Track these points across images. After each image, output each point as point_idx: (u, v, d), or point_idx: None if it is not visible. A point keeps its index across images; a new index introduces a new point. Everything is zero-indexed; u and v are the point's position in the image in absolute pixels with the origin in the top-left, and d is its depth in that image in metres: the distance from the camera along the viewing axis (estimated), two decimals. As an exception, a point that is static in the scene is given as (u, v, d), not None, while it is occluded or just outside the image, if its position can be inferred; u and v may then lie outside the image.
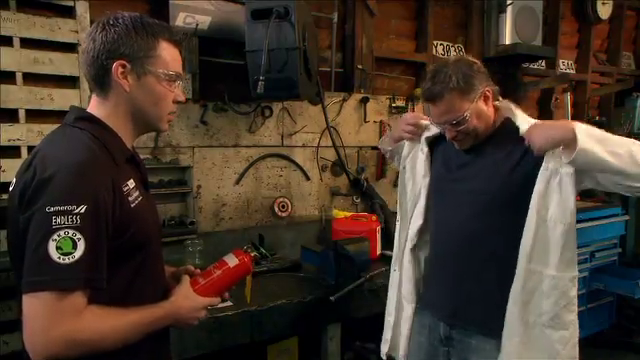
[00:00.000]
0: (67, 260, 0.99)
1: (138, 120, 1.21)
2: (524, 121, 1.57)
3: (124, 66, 1.15)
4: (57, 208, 0.99)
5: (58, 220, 0.99)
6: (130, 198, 1.15)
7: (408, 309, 1.83)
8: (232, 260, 1.35)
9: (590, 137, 1.38)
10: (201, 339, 1.88)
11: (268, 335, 2.11)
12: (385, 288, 2.35)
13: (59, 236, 0.99)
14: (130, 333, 1.11)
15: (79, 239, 1.00)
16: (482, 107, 1.58)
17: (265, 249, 1.32)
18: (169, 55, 1.19)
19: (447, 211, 1.73)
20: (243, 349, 2.09)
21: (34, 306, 1.00)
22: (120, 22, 1.16)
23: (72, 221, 0.99)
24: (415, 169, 1.86)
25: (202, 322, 1.84)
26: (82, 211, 1.00)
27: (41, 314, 0.99)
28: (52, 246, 0.98)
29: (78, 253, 1.00)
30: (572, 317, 1.53)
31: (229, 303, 1.99)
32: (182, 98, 1.24)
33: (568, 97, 4.17)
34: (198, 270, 1.41)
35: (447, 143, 1.74)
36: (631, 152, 1.37)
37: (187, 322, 1.26)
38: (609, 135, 1.41)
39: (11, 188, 1.16)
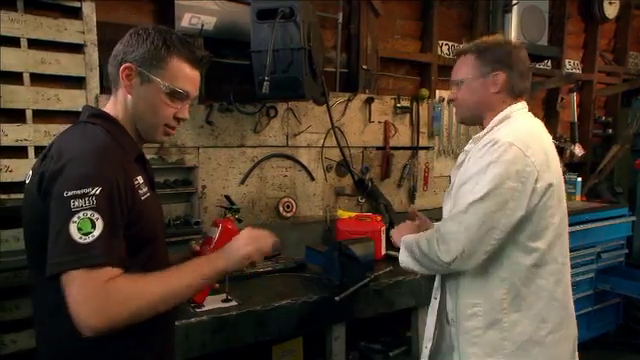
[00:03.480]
0: (88, 239, 1.03)
1: (136, 124, 1.25)
2: (500, 129, 1.58)
3: (131, 69, 1.20)
4: (74, 192, 1.05)
5: (76, 203, 1.04)
6: (140, 191, 1.19)
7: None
8: (214, 232, 1.42)
9: (404, 249, 1.65)
10: (206, 339, 1.88)
11: (273, 335, 2.11)
12: (390, 288, 2.36)
13: (79, 218, 1.04)
14: (172, 296, 1.15)
15: (97, 219, 1.05)
16: (484, 86, 1.59)
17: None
18: (180, 72, 1.22)
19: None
20: (248, 349, 2.09)
21: (72, 286, 1.03)
22: (146, 32, 1.22)
23: (89, 203, 1.04)
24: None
25: (207, 322, 1.87)
26: (97, 193, 1.05)
27: (81, 292, 1.03)
28: (73, 228, 1.03)
29: (97, 232, 1.04)
30: None
31: (234, 303, 2.00)
32: (185, 116, 1.27)
33: (574, 97, 4.16)
34: (197, 247, 1.48)
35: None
36: (415, 259, 1.60)
37: (241, 256, 1.28)
38: (413, 243, 1.60)
39: (27, 180, 1.20)
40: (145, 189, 1.22)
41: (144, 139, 1.29)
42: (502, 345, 1.51)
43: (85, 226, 1.04)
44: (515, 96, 1.62)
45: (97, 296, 1.03)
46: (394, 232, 1.80)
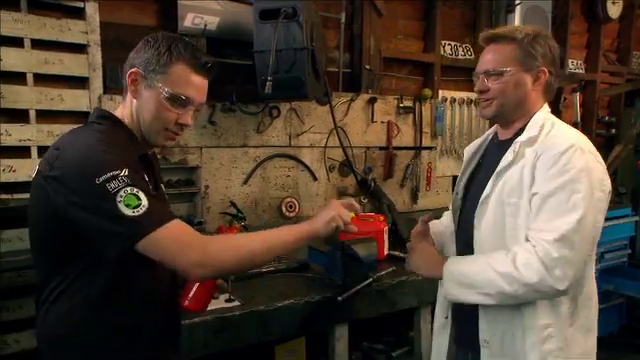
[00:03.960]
0: (141, 210, 1.08)
1: (141, 127, 1.28)
2: (533, 126, 1.46)
3: (136, 74, 1.23)
4: (104, 177, 1.08)
5: (112, 185, 1.08)
6: None
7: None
8: None
9: (456, 283, 1.44)
10: (208, 339, 1.88)
11: (275, 335, 2.11)
12: (392, 288, 2.35)
13: (121, 197, 1.08)
14: (267, 252, 1.23)
15: (138, 191, 1.09)
16: (527, 81, 1.46)
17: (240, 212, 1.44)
18: (182, 78, 1.24)
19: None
20: (250, 349, 2.09)
21: (160, 244, 1.09)
22: (154, 38, 1.26)
23: (123, 182, 1.09)
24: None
25: (210, 322, 1.87)
26: (126, 173, 1.10)
27: (173, 244, 1.10)
28: (121, 206, 1.07)
29: (145, 201, 1.09)
30: None
31: (237, 303, 2.00)
32: (186, 122, 1.28)
33: (577, 97, 4.14)
34: None
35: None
36: (502, 292, 1.37)
37: (325, 220, 1.33)
38: (476, 273, 1.41)
39: (34, 175, 1.22)
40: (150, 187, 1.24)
41: (148, 143, 1.31)
42: (562, 355, 1.43)
43: (131, 201, 1.08)
44: (547, 97, 1.53)
45: (192, 242, 1.11)
46: (415, 260, 1.59)
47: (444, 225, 1.82)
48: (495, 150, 1.58)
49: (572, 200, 1.32)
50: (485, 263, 1.40)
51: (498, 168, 1.47)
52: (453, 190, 1.78)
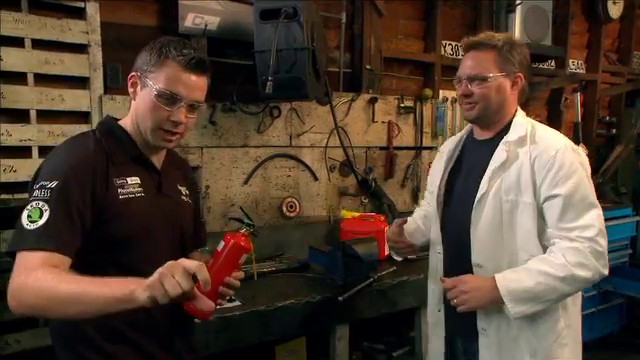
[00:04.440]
0: (32, 226, 1.12)
1: (140, 128, 1.29)
2: (518, 127, 1.58)
3: (134, 77, 1.28)
4: (40, 184, 1.16)
5: (36, 193, 1.15)
6: (121, 190, 1.23)
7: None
8: (219, 245, 1.36)
9: (520, 301, 1.48)
10: (209, 339, 1.89)
11: (276, 335, 2.11)
12: (393, 288, 2.35)
13: (32, 206, 1.14)
14: (76, 300, 1.04)
15: (46, 210, 1.13)
16: (506, 86, 1.58)
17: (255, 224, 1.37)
18: (171, 75, 1.24)
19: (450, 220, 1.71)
20: (251, 349, 2.09)
21: (14, 265, 1.12)
22: (153, 42, 1.29)
23: (44, 194, 1.14)
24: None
25: (210, 322, 1.87)
26: (53, 186, 1.15)
27: (13, 271, 1.10)
28: (25, 214, 1.13)
29: (42, 221, 1.12)
30: None
31: (238, 303, 2.00)
32: (178, 119, 1.26)
33: (578, 97, 4.14)
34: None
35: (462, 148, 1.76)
36: (561, 294, 1.50)
37: (146, 284, 0.99)
38: (536, 284, 1.46)
39: None
40: (133, 189, 1.25)
41: (149, 145, 1.31)
42: (569, 333, 1.59)
43: (34, 214, 1.12)
44: (520, 101, 1.65)
45: (18, 278, 1.08)
46: (470, 299, 1.51)
47: (416, 222, 1.91)
48: (476, 149, 1.68)
49: (589, 195, 1.50)
50: (540, 273, 1.47)
51: (492, 167, 1.56)
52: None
